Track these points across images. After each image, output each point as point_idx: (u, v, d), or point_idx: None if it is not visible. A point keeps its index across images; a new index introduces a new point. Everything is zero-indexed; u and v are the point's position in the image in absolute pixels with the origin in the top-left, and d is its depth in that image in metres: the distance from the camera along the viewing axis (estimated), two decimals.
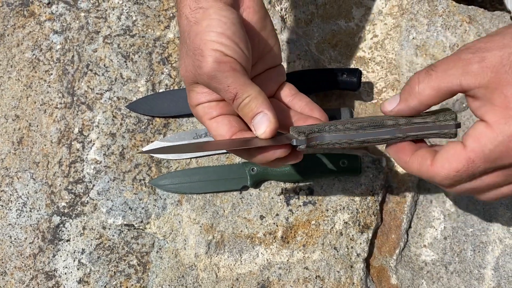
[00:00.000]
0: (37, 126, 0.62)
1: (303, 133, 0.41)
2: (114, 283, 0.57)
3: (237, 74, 0.39)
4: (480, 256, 0.57)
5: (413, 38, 0.64)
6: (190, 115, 0.61)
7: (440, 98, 0.39)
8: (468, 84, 0.37)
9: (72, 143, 0.61)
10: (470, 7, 0.66)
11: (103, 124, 0.61)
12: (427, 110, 0.42)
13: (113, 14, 0.65)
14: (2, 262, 0.58)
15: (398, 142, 0.43)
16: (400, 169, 0.59)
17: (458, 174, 0.38)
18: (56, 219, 0.59)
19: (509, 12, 0.76)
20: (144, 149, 0.60)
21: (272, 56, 0.47)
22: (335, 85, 0.59)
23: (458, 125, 0.42)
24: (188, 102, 0.45)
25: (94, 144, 0.61)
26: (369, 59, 0.64)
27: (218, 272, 0.56)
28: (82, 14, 0.66)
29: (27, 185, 0.60)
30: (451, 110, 0.42)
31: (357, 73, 0.58)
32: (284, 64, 0.61)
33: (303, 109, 0.46)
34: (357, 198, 0.57)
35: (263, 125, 0.40)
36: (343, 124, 0.42)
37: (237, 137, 0.41)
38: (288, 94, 0.47)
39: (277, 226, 0.57)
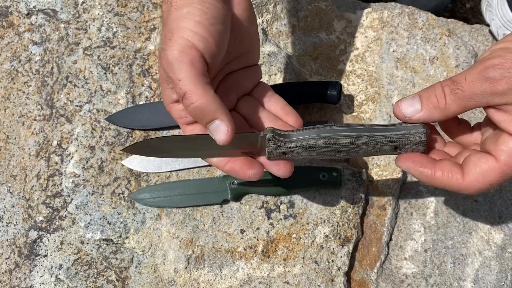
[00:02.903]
0: (15, 138, 0.61)
1: (271, 131, 0.42)
2: None
3: (193, 71, 0.36)
4: (460, 269, 0.57)
5: (393, 51, 0.64)
6: (170, 127, 0.60)
7: (463, 112, 0.40)
8: (496, 103, 0.38)
9: (51, 156, 0.60)
10: (449, 20, 0.66)
11: (82, 136, 0.61)
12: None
13: (93, 25, 0.65)
14: None
15: (401, 153, 0.43)
16: (380, 182, 0.59)
17: (492, 186, 0.40)
18: (33, 234, 0.58)
19: (487, 25, 0.77)
20: (124, 162, 0.59)
21: (252, 55, 0.47)
22: (315, 98, 0.59)
23: (425, 126, 0.42)
24: (163, 99, 0.43)
25: (73, 157, 0.60)
26: (350, 72, 0.64)
27: (198, 287, 0.55)
28: (62, 25, 0.65)
29: (4, 199, 0.59)
30: None
31: (338, 86, 0.58)
32: (265, 77, 0.61)
33: (278, 112, 0.46)
34: (337, 211, 0.57)
35: (220, 133, 0.38)
36: (312, 128, 0.43)
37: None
38: (264, 94, 0.47)
39: (257, 240, 0.57)
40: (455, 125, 0.46)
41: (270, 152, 0.43)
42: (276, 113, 0.46)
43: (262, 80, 0.49)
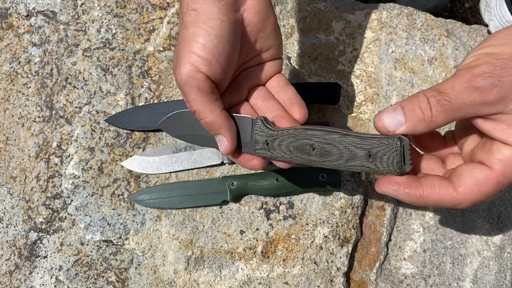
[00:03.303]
0: (15, 140, 0.61)
1: (262, 118, 0.44)
2: None
3: (200, 93, 0.41)
4: (459, 269, 0.57)
5: (392, 52, 0.64)
6: None
7: (448, 123, 0.38)
8: (486, 113, 0.36)
9: (50, 157, 0.60)
10: (448, 20, 0.66)
11: (82, 138, 0.61)
12: None
13: (93, 27, 0.65)
14: None
15: (377, 169, 0.40)
16: None
17: (488, 198, 0.38)
18: (33, 235, 0.58)
19: (486, 25, 0.77)
20: (123, 163, 0.59)
21: (270, 54, 0.47)
22: (314, 99, 0.59)
23: (402, 137, 0.39)
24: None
25: (72, 158, 0.60)
26: (349, 73, 0.64)
27: None
28: (61, 26, 0.65)
29: (4, 200, 0.59)
30: None
31: (337, 87, 0.58)
32: None
33: (285, 102, 0.47)
34: (336, 212, 0.57)
35: (222, 146, 0.44)
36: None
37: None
38: (276, 85, 0.48)
39: (257, 241, 0.57)
40: (428, 138, 0.44)
41: (256, 140, 0.44)
42: (283, 104, 0.47)
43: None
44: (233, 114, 0.45)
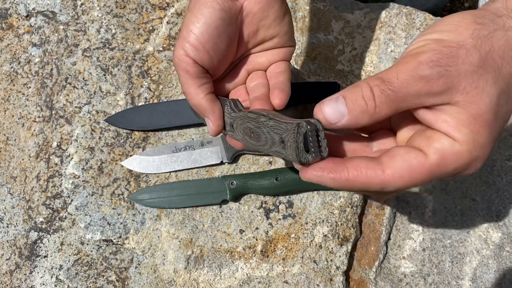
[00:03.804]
0: (15, 140, 0.62)
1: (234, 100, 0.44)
2: None
3: (187, 76, 0.43)
4: (458, 267, 0.57)
5: (391, 51, 0.64)
6: (169, 128, 0.61)
7: (394, 115, 0.35)
8: (432, 103, 0.34)
9: (51, 157, 0.61)
10: None
11: (82, 138, 0.61)
12: None
13: (93, 27, 0.65)
14: None
15: (305, 165, 0.35)
16: None
17: (415, 185, 0.35)
18: (34, 235, 0.58)
19: None
20: (123, 163, 0.59)
21: (274, 43, 0.47)
22: (314, 98, 0.59)
23: (314, 122, 0.35)
24: None
25: (72, 158, 0.60)
26: (348, 72, 0.64)
27: (198, 287, 0.55)
28: (61, 27, 0.65)
29: (4, 200, 0.60)
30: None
31: (336, 86, 0.58)
32: None
33: (271, 87, 0.46)
34: (336, 211, 0.57)
35: (209, 127, 0.45)
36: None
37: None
38: (273, 70, 0.48)
39: (256, 240, 0.57)
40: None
41: (225, 122, 0.44)
42: (270, 88, 0.46)
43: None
44: (219, 97, 0.46)
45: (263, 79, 0.48)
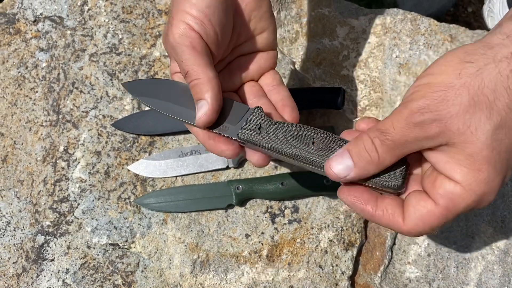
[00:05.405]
0: (22, 144, 0.62)
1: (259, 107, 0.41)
2: None
3: (193, 52, 0.39)
4: (463, 273, 0.57)
5: (396, 57, 0.65)
6: (175, 133, 0.61)
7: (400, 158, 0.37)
8: (430, 146, 0.35)
9: (57, 161, 0.61)
10: (451, 25, 0.67)
11: (89, 142, 0.61)
12: None
13: (99, 32, 0.65)
14: None
15: (348, 185, 0.39)
16: None
17: (433, 230, 0.37)
18: (40, 239, 0.59)
19: (489, 30, 0.77)
20: (130, 167, 0.60)
21: (264, 39, 0.46)
22: (319, 103, 0.59)
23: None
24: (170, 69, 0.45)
25: (79, 162, 0.61)
26: (353, 78, 0.65)
27: None
28: (68, 32, 0.66)
29: (11, 204, 0.60)
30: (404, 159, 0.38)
31: (341, 91, 0.58)
32: None
33: (277, 103, 0.45)
34: (341, 216, 0.57)
35: (199, 112, 0.40)
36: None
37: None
38: (270, 82, 0.46)
39: (262, 244, 0.57)
40: None
41: (248, 120, 0.41)
42: (275, 104, 0.45)
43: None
44: (225, 98, 0.42)
45: (261, 91, 0.46)
